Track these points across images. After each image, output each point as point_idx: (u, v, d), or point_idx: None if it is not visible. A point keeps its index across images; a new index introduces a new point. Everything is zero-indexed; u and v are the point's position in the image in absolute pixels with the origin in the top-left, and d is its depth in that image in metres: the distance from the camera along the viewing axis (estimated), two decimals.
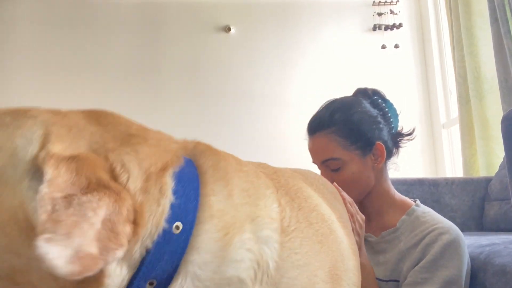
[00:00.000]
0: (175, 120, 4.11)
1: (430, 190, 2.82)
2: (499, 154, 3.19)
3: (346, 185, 1.44)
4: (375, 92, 1.59)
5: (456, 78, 3.66)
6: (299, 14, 4.42)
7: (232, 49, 4.31)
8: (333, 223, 0.85)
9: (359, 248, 1.26)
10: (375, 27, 4.40)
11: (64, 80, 4.07)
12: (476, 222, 2.76)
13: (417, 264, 1.34)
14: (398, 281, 1.40)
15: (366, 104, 1.53)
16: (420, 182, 2.85)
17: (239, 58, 4.30)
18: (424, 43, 4.50)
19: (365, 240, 1.46)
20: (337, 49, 4.40)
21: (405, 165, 4.08)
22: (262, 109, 4.16)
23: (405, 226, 1.43)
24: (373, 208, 1.52)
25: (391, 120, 1.55)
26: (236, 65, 4.28)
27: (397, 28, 4.40)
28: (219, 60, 4.28)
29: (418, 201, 1.53)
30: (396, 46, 4.35)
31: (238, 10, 4.36)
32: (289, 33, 4.38)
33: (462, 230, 2.69)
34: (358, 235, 1.27)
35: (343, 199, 1.22)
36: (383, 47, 4.34)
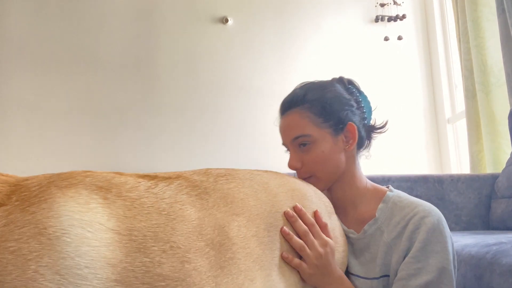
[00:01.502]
0: (170, 114, 4.10)
1: (435, 187, 2.82)
2: (507, 150, 3.19)
3: (315, 165, 1.45)
4: (350, 82, 1.61)
5: (462, 72, 3.66)
6: (299, 5, 4.41)
7: (230, 41, 4.29)
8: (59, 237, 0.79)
9: (325, 275, 1.27)
10: (378, 18, 4.39)
11: (56, 73, 4.06)
12: (482, 221, 2.76)
13: (406, 254, 1.33)
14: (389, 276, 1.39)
15: (340, 88, 1.55)
16: (424, 179, 2.85)
17: (237, 50, 4.29)
18: (429, 35, 4.49)
19: (346, 236, 1.45)
20: (338, 41, 4.39)
21: (408, 161, 4.12)
22: (261, 103, 4.15)
23: (384, 215, 1.42)
24: (347, 199, 1.50)
25: (365, 111, 1.56)
26: (234, 58, 4.27)
27: (401, 19, 4.39)
28: (216, 53, 4.26)
29: (390, 186, 1.52)
30: (400, 38, 4.34)
31: (236, 1, 4.35)
32: (289, 24, 4.37)
33: (468, 229, 2.70)
34: (316, 267, 1.25)
35: (286, 233, 1.21)
36: (386, 39, 4.33)
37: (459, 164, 4.14)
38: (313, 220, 1.28)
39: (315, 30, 4.38)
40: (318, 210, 1.32)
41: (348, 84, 1.59)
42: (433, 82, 4.41)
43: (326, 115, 1.46)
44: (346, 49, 4.37)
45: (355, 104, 1.53)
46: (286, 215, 1.22)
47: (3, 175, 0.88)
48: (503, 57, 2.99)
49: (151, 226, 0.89)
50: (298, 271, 1.23)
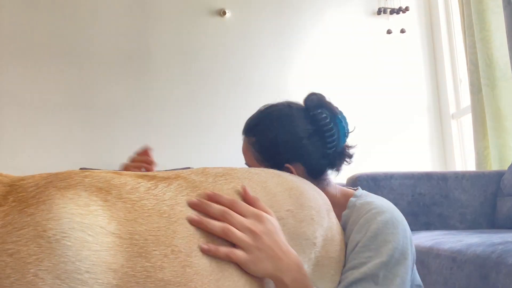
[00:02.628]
0: (165, 109, 4.10)
1: (439, 185, 2.82)
2: None
3: None
4: (321, 104, 1.52)
5: (467, 65, 3.66)
6: None
7: (228, 34, 4.28)
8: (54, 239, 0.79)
9: (274, 259, 1.06)
10: (380, 11, 4.39)
11: (48, 67, 4.04)
12: (488, 219, 2.76)
13: (355, 247, 1.31)
14: None
15: (299, 121, 1.50)
16: (428, 176, 2.85)
17: (235, 44, 4.28)
18: (433, 28, 4.48)
19: None
20: (339, 34, 4.38)
21: (411, 158, 4.12)
22: (259, 98, 4.10)
23: (347, 220, 1.42)
24: None
25: (333, 137, 1.49)
26: (231, 52, 4.26)
27: (404, 11, 4.38)
28: (213, 46, 4.25)
29: (358, 189, 1.51)
30: (402, 31, 4.34)
31: None
32: (289, 17, 4.36)
33: (473, 228, 2.70)
34: (257, 249, 1.05)
35: (196, 221, 0.99)
36: (389, 32, 4.32)
37: (464, 161, 4.14)
38: (231, 198, 1.10)
39: (315, 22, 4.38)
40: (317, 207, 1.28)
41: (316, 109, 1.51)
42: (437, 76, 4.41)
43: (266, 155, 1.49)
44: (347, 43, 4.37)
45: (314, 138, 1.48)
46: (190, 204, 1.00)
47: None
48: (509, 50, 2.98)
49: (152, 229, 0.88)
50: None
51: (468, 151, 4.05)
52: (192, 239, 0.93)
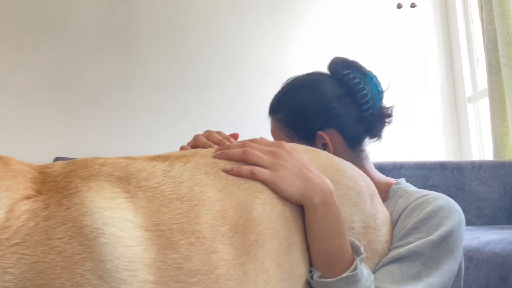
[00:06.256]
0: (152, 92, 4.08)
1: (454, 176, 2.81)
2: None
3: None
4: (347, 65, 1.57)
5: (484, 44, 3.65)
6: None
7: (220, 9, 4.26)
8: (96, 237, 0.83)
9: (303, 179, 1.12)
10: None
11: (20, 45, 4.01)
12: (508, 214, 2.76)
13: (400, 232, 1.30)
14: None
15: (325, 85, 1.53)
16: (441, 166, 2.85)
17: (228, 19, 4.26)
18: (446, 2, 4.47)
19: None
20: (343, 8, 4.36)
21: (423, 146, 4.11)
22: (256, 78, 4.13)
23: (390, 211, 1.39)
24: None
25: (367, 98, 1.50)
26: (224, 28, 4.24)
27: None
28: (205, 23, 4.23)
29: (401, 180, 1.50)
30: (413, 6, 4.31)
31: None
32: None
33: (492, 223, 2.70)
34: (279, 165, 1.11)
35: (218, 154, 1.12)
36: (398, 6, 4.30)
37: (481, 149, 4.14)
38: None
39: None
40: (357, 188, 1.25)
41: (344, 70, 1.54)
42: (452, 55, 4.40)
43: (296, 128, 1.52)
44: (353, 18, 4.34)
45: (346, 101, 1.50)
46: (214, 156, 1.11)
47: (20, 162, 0.92)
48: None
49: (176, 216, 0.91)
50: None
51: (486, 138, 4.05)
52: (215, 222, 0.95)
